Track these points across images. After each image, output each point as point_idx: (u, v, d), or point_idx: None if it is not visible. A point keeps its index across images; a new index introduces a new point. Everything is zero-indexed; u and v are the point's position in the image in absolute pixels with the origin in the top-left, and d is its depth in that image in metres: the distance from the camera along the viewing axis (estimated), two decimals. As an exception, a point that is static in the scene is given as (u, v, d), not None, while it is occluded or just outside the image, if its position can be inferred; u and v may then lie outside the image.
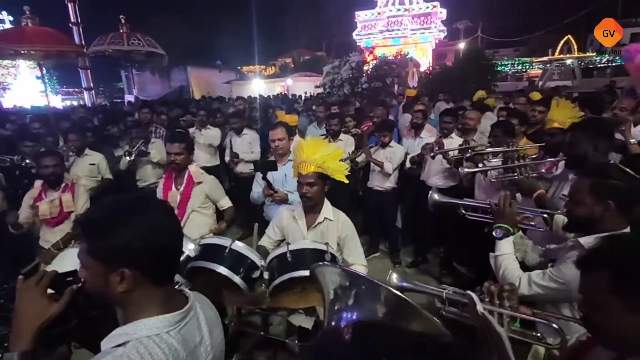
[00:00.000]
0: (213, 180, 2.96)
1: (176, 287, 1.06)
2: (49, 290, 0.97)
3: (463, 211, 2.04)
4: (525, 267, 1.74)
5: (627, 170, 1.43)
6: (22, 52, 8.64)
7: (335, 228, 2.22)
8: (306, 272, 1.63)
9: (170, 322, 0.88)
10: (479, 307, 1.06)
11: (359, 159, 4.19)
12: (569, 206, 1.55)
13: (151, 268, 0.88)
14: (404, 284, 1.54)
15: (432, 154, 3.66)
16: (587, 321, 0.94)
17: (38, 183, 3.05)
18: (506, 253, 1.68)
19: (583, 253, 0.99)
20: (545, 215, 1.82)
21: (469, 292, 1.23)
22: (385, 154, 4.10)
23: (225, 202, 3.03)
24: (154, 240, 0.86)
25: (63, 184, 3.06)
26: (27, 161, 3.65)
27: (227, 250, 1.67)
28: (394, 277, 1.55)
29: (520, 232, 1.80)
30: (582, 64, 25.11)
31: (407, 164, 4.07)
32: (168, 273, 0.96)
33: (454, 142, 3.86)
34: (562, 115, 2.92)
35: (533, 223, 1.86)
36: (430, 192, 2.25)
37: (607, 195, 1.39)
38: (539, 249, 1.81)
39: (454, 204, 2.07)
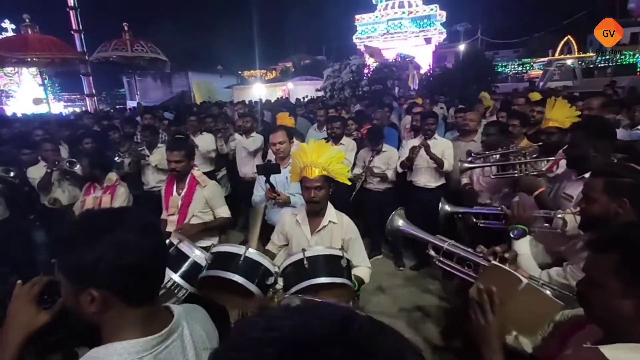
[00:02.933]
0: (215, 187, 2.94)
1: (175, 294, 1.02)
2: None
3: (474, 219, 2.04)
4: None
5: (637, 167, 1.46)
6: (27, 59, 8.73)
7: (339, 231, 2.22)
8: (324, 279, 1.65)
9: (145, 346, 0.80)
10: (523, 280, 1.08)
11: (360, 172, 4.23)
12: (583, 206, 1.58)
13: (123, 289, 0.81)
14: (408, 229, 1.66)
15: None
16: (584, 299, 0.99)
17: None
18: (523, 253, 1.71)
19: (596, 235, 1.03)
20: (560, 216, 1.83)
21: (493, 262, 1.31)
22: (382, 159, 4.14)
23: (222, 212, 2.90)
24: (123, 259, 0.79)
25: (105, 185, 3.25)
26: (12, 174, 3.60)
27: (241, 259, 1.65)
28: (400, 222, 1.61)
29: (531, 237, 1.82)
30: (583, 64, 25.10)
31: (399, 169, 4.09)
32: (145, 293, 0.86)
33: (437, 142, 3.93)
34: (560, 114, 2.93)
35: (547, 224, 1.88)
36: (440, 204, 2.26)
37: (622, 194, 1.42)
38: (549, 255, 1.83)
39: (466, 213, 2.07)
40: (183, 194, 2.82)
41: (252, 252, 1.69)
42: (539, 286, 1.18)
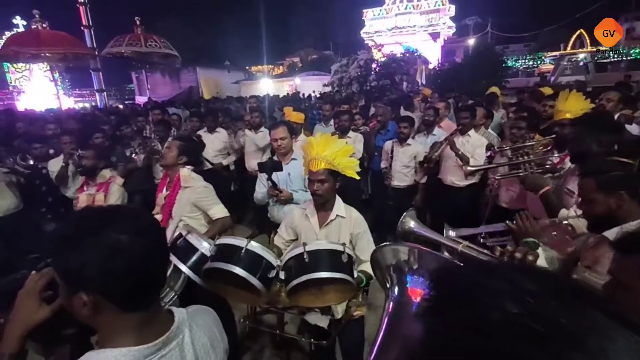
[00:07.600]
0: (204, 188, 2.59)
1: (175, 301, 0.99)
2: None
3: (481, 240, 1.98)
4: None
5: (620, 159, 1.48)
6: (41, 54, 8.81)
7: (348, 225, 2.20)
8: (323, 274, 1.64)
9: (137, 356, 0.76)
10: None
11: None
12: (584, 208, 1.56)
13: (115, 293, 0.77)
14: (420, 230, 1.54)
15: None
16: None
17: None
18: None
19: (624, 235, 0.98)
20: (565, 222, 1.78)
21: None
22: (406, 153, 4.04)
23: (217, 212, 2.58)
24: (112, 263, 0.74)
25: (98, 182, 3.14)
26: (31, 162, 3.61)
27: (243, 251, 1.66)
28: (412, 224, 1.52)
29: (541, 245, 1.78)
30: (596, 58, 24.61)
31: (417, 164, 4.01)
32: (140, 298, 0.81)
33: (471, 139, 3.78)
34: (575, 106, 2.87)
35: (554, 233, 1.82)
36: (444, 229, 1.92)
37: (617, 187, 1.42)
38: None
39: (470, 236, 1.93)
40: (167, 193, 2.62)
41: (254, 245, 1.69)
42: None
